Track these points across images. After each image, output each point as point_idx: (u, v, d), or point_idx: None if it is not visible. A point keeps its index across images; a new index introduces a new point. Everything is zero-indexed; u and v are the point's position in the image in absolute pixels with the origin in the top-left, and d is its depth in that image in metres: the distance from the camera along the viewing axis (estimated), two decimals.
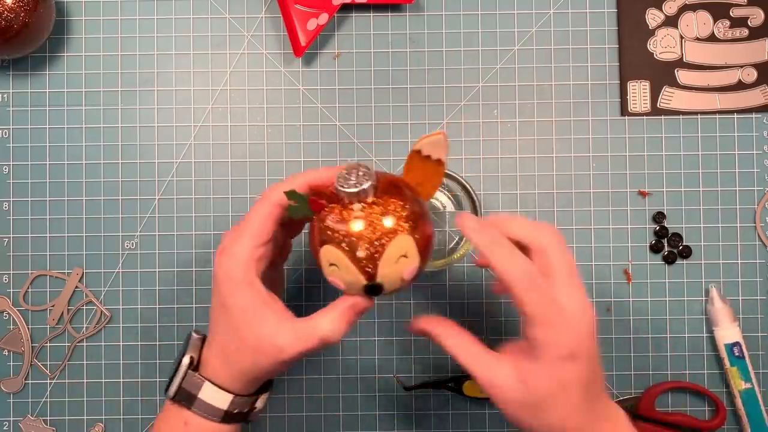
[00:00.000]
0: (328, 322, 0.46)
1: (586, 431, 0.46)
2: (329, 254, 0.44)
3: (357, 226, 0.43)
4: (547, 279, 0.45)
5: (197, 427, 0.48)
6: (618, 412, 0.48)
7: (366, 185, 0.43)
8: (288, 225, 0.50)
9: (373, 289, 0.44)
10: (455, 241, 0.60)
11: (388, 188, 0.44)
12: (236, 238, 0.47)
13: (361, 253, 0.43)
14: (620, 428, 0.48)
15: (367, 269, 0.43)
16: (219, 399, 0.48)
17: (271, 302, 0.47)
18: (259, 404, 0.50)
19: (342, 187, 0.43)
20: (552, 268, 0.45)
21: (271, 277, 0.49)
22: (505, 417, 0.46)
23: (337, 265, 0.44)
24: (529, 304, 0.44)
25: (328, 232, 0.43)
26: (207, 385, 0.48)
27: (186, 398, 0.48)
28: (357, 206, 0.44)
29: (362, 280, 0.44)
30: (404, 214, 0.44)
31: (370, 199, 0.44)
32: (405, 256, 0.43)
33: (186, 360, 0.49)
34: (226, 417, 0.48)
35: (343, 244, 0.43)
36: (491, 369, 0.46)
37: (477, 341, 0.47)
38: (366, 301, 0.46)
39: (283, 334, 0.46)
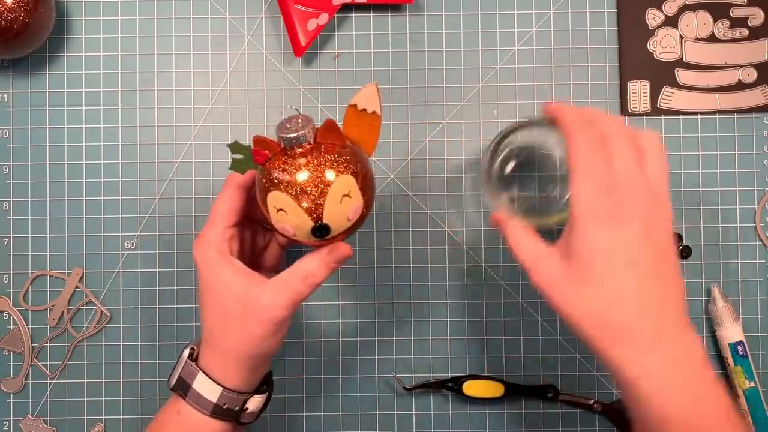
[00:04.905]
0: (308, 263, 0.47)
1: (640, 335, 0.41)
2: (276, 200, 0.45)
3: (300, 169, 0.44)
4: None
5: (188, 417, 0.49)
6: (695, 339, 0.42)
7: (305, 130, 0.45)
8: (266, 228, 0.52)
9: (320, 230, 0.45)
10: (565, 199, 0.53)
11: (326, 133, 0.45)
12: (207, 226, 0.49)
13: (306, 196, 0.44)
14: (691, 356, 0.42)
15: (313, 211, 0.44)
16: (209, 391, 0.48)
17: (253, 274, 0.48)
18: (250, 405, 0.50)
19: (282, 133, 0.45)
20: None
21: None
22: (549, 304, 0.44)
23: (284, 210, 0.45)
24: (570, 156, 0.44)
25: (274, 180, 0.45)
26: (200, 375, 0.48)
27: (182, 388, 0.49)
28: (298, 151, 0.45)
29: (309, 222, 0.45)
30: (344, 155, 0.45)
31: (310, 145, 0.45)
32: (348, 195, 0.45)
33: (186, 351, 0.50)
34: (216, 410, 0.48)
35: (289, 189, 0.44)
36: (537, 252, 0.46)
37: (533, 234, 0.47)
38: (343, 247, 0.47)
39: (266, 292, 0.47)
